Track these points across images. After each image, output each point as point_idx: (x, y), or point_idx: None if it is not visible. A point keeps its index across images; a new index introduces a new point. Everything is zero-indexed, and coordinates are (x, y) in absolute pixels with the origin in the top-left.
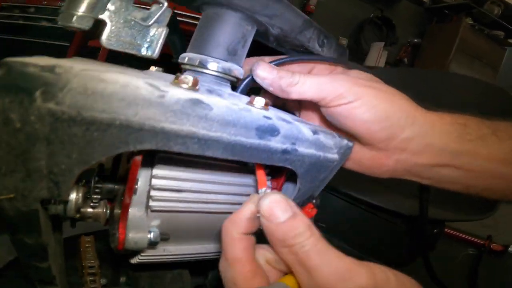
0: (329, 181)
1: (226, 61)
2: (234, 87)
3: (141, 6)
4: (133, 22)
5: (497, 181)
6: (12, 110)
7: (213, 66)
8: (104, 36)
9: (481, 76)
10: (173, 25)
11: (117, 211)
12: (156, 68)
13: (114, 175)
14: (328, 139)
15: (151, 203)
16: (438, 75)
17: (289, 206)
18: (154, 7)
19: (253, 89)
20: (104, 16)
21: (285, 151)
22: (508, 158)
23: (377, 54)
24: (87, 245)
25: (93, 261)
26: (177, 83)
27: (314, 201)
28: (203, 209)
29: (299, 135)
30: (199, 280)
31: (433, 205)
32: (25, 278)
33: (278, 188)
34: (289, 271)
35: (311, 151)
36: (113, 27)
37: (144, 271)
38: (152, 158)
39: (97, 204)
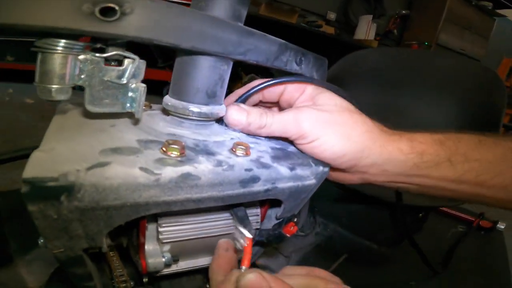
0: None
1: (207, 104)
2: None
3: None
4: (109, 83)
5: (451, 193)
6: (47, 209)
7: (195, 113)
8: (87, 102)
9: (471, 46)
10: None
11: (135, 242)
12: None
13: None
14: (305, 170)
15: (160, 236)
16: (425, 54)
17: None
18: (126, 63)
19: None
20: (81, 83)
21: (267, 190)
22: (458, 178)
23: (366, 27)
24: (113, 257)
25: (121, 270)
26: (165, 152)
27: (295, 219)
28: (199, 235)
29: (278, 176)
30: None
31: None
32: None
33: (263, 212)
34: None
35: (290, 184)
36: (92, 91)
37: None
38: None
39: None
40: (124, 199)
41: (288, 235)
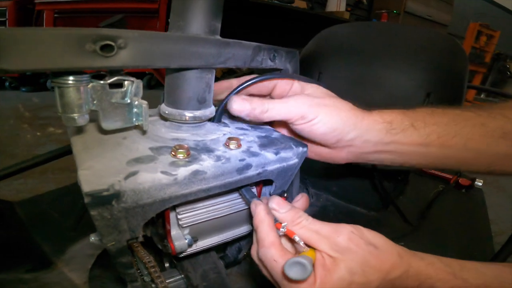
0: None
1: (199, 109)
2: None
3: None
4: (116, 104)
5: (423, 159)
6: (103, 212)
7: (190, 117)
8: (102, 122)
9: (438, 12)
10: None
11: (160, 231)
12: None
13: None
14: (288, 152)
15: (180, 222)
16: (393, 27)
17: (285, 203)
18: (126, 84)
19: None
20: (94, 107)
21: (259, 174)
22: (424, 142)
23: None
24: (138, 248)
25: (148, 257)
26: (175, 155)
27: (285, 194)
28: (211, 217)
29: (266, 161)
30: (220, 253)
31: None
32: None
33: (258, 190)
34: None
35: (276, 165)
36: (105, 113)
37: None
38: None
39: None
40: (154, 197)
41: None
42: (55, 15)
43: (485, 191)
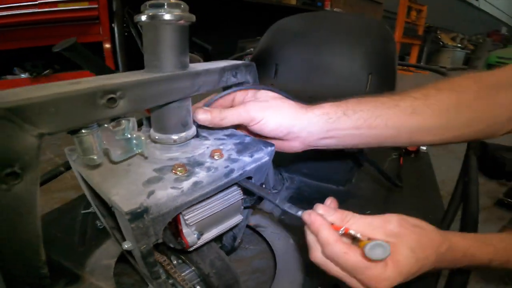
0: None
1: (184, 131)
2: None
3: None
4: (120, 139)
5: (361, 139)
6: (139, 224)
7: (178, 139)
8: (113, 157)
9: None
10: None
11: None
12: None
13: None
14: (260, 153)
15: (187, 222)
16: (335, 15)
17: (329, 208)
18: (124, 123)
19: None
20: (106, 146)
21: (240, 174)
22: (355, 125)
23: None
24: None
25: (162, 257)
26: (176, 170)
27: (264, 186)
28: (211, 213)
29: (244, 164)
30: (218, 244)
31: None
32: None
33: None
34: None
35: (253, 165)
36: (113, 149)
37: (189, 251)
38: None
39: None
40: (170, 207)
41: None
42: None
43: (436, 154)
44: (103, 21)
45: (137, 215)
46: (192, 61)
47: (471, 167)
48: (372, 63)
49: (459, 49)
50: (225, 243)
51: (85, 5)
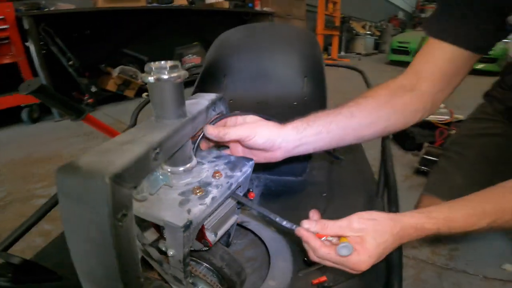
0: None
1: (190, 162)
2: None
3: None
4: (153, 178)
5: (321, 143)
6: (187, 233)
7: (187, 169)
8: (152, 190)
9: None
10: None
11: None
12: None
13: None
14: (245, 167)
15: (207, 226)
16: (272, 26)
17: (312, 221)
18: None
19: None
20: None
21: (236, 186)
22: (317, 132)
23: None
24: None
25: None
26: (195, 192)
27: (251, 189)
28: (218, 217)
29: (238, 177)
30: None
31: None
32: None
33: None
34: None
35: (243, 177)
36: (150, 184)
37: (201, 251)
38: None
39: None
40: (201, 217)
41: (251, 198)
42: None
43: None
44: (15, 41)
45: (187, 227)
46: (128, 73)
47: (386, 149)
48: (306, 67)
49: (369, 36)
50: (221, 241)
51: None
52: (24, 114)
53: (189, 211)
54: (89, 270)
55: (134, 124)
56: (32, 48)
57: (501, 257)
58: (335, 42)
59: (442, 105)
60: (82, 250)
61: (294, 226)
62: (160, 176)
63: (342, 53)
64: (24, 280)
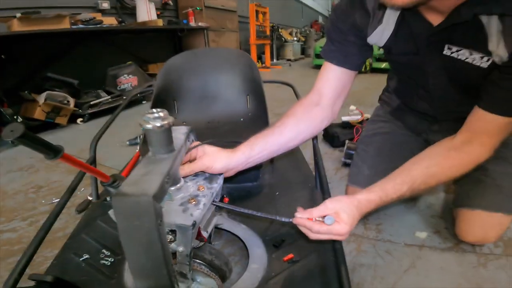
0: None
1: (179, 183)
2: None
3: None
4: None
5: (265, 156)
6: (194, 231)
7: (178, 187)
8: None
9: (227, 1)
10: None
11: None
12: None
13: None
14: (218, 179)
15: (200, 225)
16: (213, 51)
17: (302, 211)
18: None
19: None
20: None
21: (217, 194)
22: (258, 151)
23: (145, 6)
24: None
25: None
26: (191, 202)
27: (224, 195)
28: (207, 218)
29: (216, 187)
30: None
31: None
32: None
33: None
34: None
35: (218, 187)
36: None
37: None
38: None
39: None
40: (200, 219)
41: (226, 201)
42: None
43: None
44: None
45: (194, 225)
46: (56, 99)
47: (316, 149)
48: (247, 87)
49: (296, 42)
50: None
51: None
52: None
53: (192, 215)
54: (141, 266)
55: (94, 155)
56: None
57: (413, 227)
58: (267, 50)
59: (353, 107)
60: (135, 251)
61: (290, 219)
62: (166, 196)
63: (275, 60)
64: None
